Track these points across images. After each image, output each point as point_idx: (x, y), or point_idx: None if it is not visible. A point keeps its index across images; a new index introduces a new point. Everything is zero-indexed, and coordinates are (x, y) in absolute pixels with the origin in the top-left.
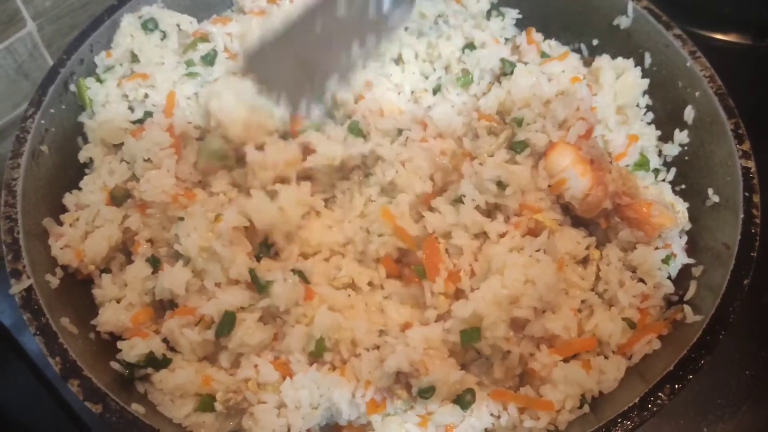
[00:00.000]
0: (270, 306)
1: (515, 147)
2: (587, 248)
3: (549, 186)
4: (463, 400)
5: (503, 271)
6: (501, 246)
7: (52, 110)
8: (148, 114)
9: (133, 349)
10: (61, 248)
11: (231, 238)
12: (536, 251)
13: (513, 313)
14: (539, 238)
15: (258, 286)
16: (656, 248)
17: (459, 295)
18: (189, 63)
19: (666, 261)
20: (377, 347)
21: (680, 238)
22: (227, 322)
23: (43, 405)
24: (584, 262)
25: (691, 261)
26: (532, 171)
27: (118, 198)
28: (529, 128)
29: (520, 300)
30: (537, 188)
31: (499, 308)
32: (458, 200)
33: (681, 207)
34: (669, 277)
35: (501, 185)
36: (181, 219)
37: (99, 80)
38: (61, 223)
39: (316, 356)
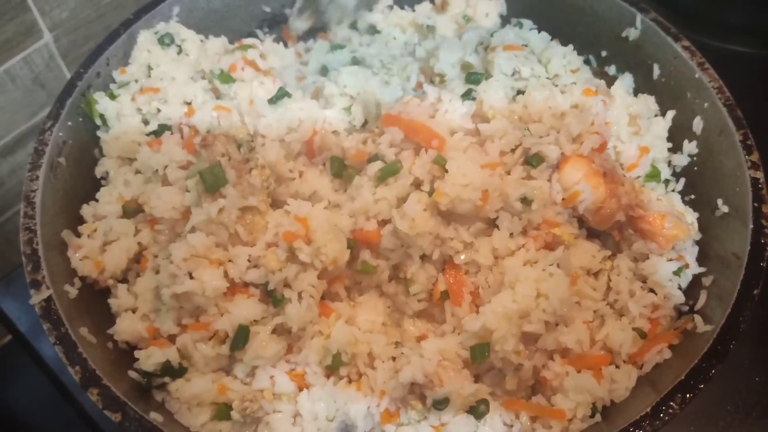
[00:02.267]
0: (284, 324)
1: (531, 161)
2: (601, 261)
3: (563, 199)
4: (477, 410)
5: (515, 285)
6: (516, 259)
7: (69, 123)
8: (165, 127)
9: (149, 359)
10: (80, 259)
11: None
12: (550, 265)
13: (524, 328)
14: (555, 253)
15: (273, 299)
16: (669, 260)
17: (473, 308)
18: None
19: (678, 272)
20: (393, 358)
21: (693, 248)
22: (241, 337)
23: (59, 411)
24: (596, 272)
25: (702, 270)
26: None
27: (129, 212)
28: (542, 141)
29: (531, 314)
30: (552, 202)
31: (509, 322)
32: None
33: (691, 217)
34: (680, 288)
35: (526, 201)
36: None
37: (112, 96)
38: (79, 235)
39: (332, 369)
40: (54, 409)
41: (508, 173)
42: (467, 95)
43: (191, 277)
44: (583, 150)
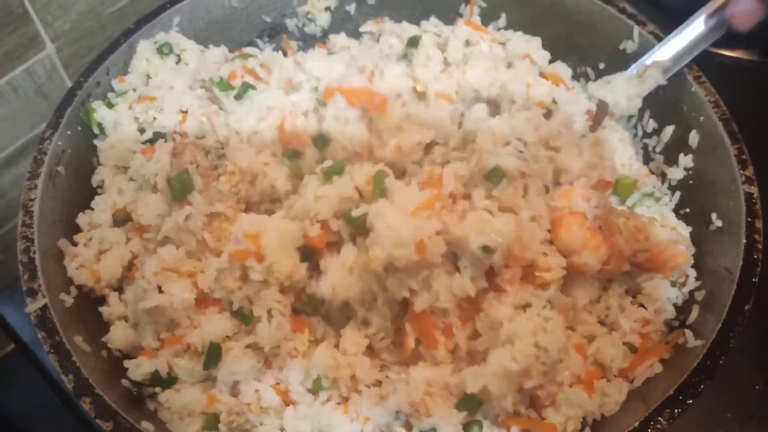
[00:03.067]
0: (255, 343)
1: (490, 178)
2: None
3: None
4: (470, 430)
5: (513, 340)
6: (505, 307)
7: (68, 132)
8: (159, 135)
9: (138, 368)
10: (76, 268)
11: None
12: (543, 308)
13: (525, 385)
14: (548, 293)
15: (242, 317)
16: (673, 284)
17: (457, 349)
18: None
19: (674, 284)
20: (379, 383)
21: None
22: (213, 355)
23: (61, 420)
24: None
25: (697, 284)
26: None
27: (119, 220)
28: (498, 152)
29: (531, 371)
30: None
31: (509, 382)
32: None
33: (684, 231)
34: (675, 304)
35: (488, 250)
36: None
37: (110, 104)
38: (75, 243)
39: (314, 392)
40: (56, 418)
41: (466, 197)
42: (404, 57)
43: (161, 291)
44: (577, 193)
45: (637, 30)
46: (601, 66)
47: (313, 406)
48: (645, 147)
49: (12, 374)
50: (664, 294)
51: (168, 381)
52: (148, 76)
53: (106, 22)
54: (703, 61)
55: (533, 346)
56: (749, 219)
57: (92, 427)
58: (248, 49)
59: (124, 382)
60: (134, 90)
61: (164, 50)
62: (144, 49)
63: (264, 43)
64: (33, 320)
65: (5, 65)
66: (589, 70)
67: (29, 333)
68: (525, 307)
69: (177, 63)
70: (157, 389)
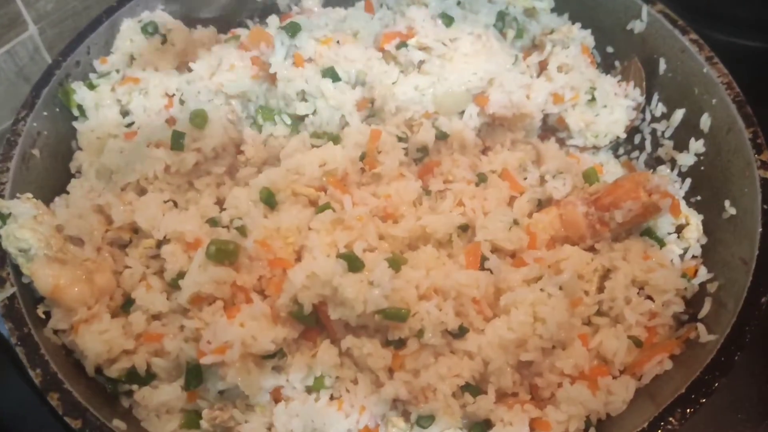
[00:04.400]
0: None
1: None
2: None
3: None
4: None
5: (510, 309)
6: (518, 274)
7: (45, 113)
8: None
9: (114, 365)
10: None
11: None
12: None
13: (521, 357)
14: (563, 277)
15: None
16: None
17: None
18: None
19: (684, 275)
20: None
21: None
22: (193, 376)
23: (42, 417)
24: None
25: (709, 276)
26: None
27: None
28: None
29: (528, 342)
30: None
31: (505, 352)
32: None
33: (695, 219)
34: (684, 297)
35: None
36: None
37: (91, 86)
38: None
39: (314, 390)
40: (36, 416)
41: None
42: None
43: None
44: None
45: (645, 9)
46: (610, 50)
47: (306, 402)
48: (653, 132)
49: None
50: (673, 285)
51: (146, 378)
52: (132, 57)
53: (91, 3)
54: (712, 49)
55: (530, 316)
56: (765, 206)
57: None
58: (239, 31)
59: (97, 377)
60: (117, 71)
61: (149, 29)
62: (128, 28)
63: (254, 24)
64: (0, 310)
65: None
66: (595, 52)
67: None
68: (535, 280)
69: (163, 44)
70: (134, 387)
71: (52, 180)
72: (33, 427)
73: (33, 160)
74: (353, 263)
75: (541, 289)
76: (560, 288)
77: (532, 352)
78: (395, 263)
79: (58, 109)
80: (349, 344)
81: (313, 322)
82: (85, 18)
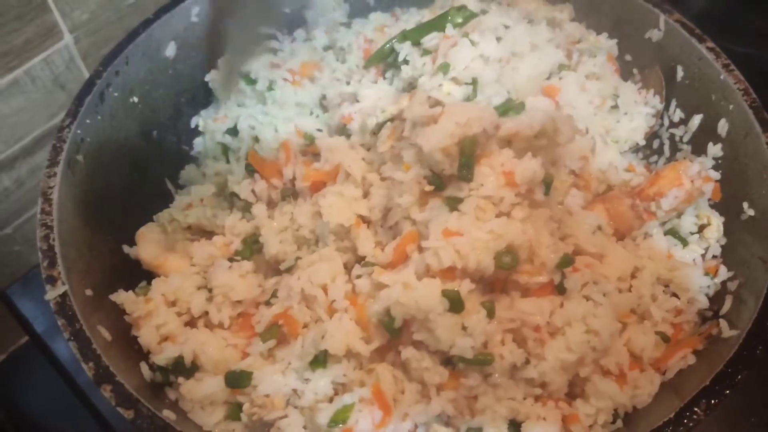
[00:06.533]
0: None
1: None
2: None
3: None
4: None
5: (565, 329)
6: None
7: (87, 120)
8: None
9: (163, 352)
10: None
11: None
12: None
13: (580, 374)
14: (608, 285)
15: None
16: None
17: None
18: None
19: (706, 274)
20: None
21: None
22: (243, 378)
23: (73, 412)
24: None
25: (729, 275)
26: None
27: None
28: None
29: (586, 358)
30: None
31: (567, 373)
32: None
33: (717, 220)
34: (706, 295)
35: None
36: None
37: None
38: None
39: (314, 367)
40: (68, 410)
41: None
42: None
43: None
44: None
45: (663, 18)
46: (628, 58)
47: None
48: (672, 137)
49: (25, 367)
50: (696, 283)
51: (190, 369)
52: None
53: (125, 13)
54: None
55: (584, 331)
56: None
57: (104, 418)
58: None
59: (143, 366)
60: None
61: None
62: None
63: (282, 35)
64: (53, 308)
65: (23, 54)
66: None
67: (43, 324)
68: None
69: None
70: (180, 379)
71: (96, 184)
72: (68, 424)
73: (77, 165)
74: (456, 305)
75: (586, 298)
76: (604, 295)
77: (588, 366)
78: (491, 311)
79: (99, 117)
80: (409, 355)
81: (398, 335)
82: (118, 28)
